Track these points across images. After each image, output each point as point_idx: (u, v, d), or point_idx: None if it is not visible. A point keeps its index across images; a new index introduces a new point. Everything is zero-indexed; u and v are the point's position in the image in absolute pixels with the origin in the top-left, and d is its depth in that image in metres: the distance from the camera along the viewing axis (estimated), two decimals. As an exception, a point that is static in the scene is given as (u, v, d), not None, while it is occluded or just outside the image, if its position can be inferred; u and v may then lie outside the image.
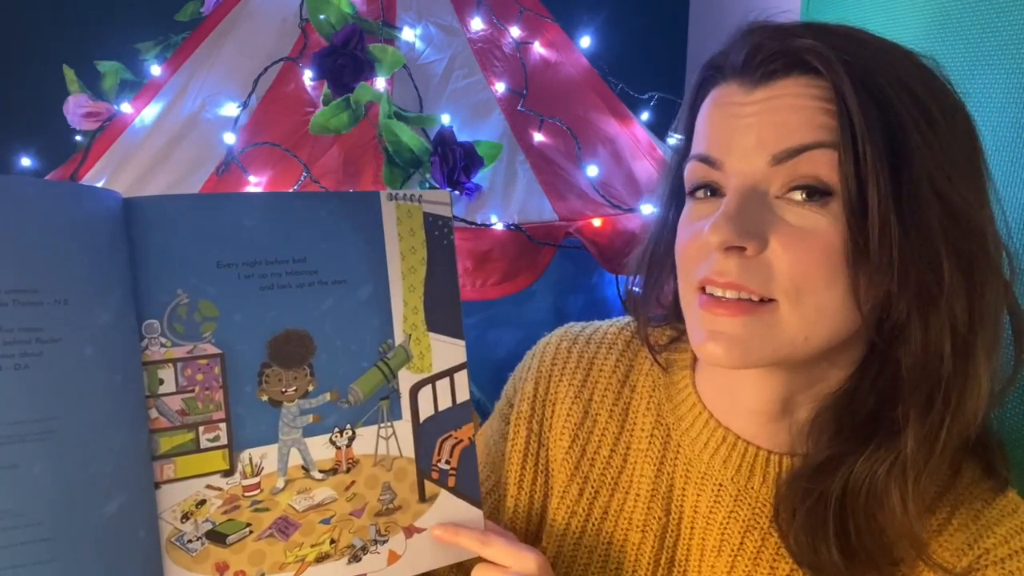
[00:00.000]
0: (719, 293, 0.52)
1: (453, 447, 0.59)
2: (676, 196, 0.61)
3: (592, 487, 0.66)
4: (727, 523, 0.60)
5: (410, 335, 0.57)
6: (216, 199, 0.55)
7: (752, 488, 0.59)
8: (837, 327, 0.51)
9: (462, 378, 0.59)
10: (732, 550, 0.60)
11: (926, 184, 0.48)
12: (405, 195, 0.57)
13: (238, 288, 0.51)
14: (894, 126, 0.48)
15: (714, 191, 0.54)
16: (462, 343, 0.59)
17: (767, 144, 0.50)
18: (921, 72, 0.51)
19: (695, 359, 0.66)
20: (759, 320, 0.50)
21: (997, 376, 0.52)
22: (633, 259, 0.67)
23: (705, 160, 0.54)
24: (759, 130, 0.51)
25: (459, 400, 0.59)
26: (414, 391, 0.58)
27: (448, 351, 0.58)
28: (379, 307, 0.56)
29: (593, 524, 0.65)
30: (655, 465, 0.64)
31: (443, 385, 0.59)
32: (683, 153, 0.59)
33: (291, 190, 1.08)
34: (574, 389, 0.68)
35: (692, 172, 0.55)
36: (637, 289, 0.66)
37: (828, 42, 0.50)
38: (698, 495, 0.62)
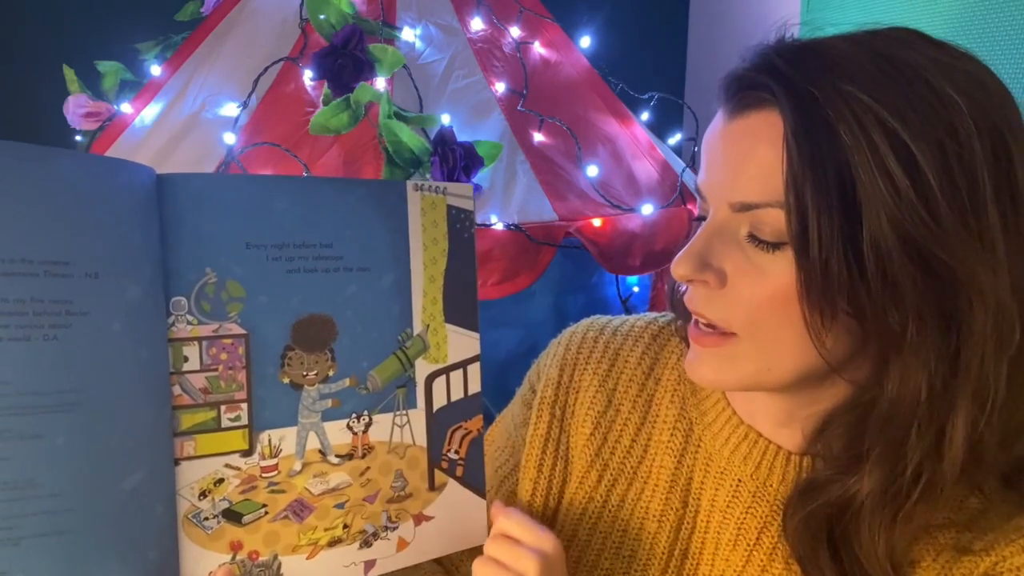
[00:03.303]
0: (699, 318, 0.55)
1: (463, 438, 0.59)
2: None
3: (611, 475, 0.67)
4: (744, 519, 0.61)
5: (428, 325, 0.58)
6: (249, 180, 0.55)
7: (771, 486, 0.60)
8: (800, 361, 0.51)
9: (475, 370, 0.60)
10: (748, 545, 0.60)
11: (889, 235, 0.45)
12: (430, 186, 0.57)
13: (266, 270, 0.51)
14: (852, 169, 0.45)
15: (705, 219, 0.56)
16: (477, 335, 0.60)
17: (727, 192, 0.51)
18: (919, 102, 0.46)
19: None
20: (723, 351, 0.53)
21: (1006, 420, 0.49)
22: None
23: (698, 192, 0.55)
24: (723, 174, 0.51)
25: (471, 391, 0.60)
26: (429, 381, 0.58)
27: (463, 343, 0.59)
28: (400, 296, 0.56)
29: (610, 511, 0.66)
30: (675, 457, 0.65)
31: (456, 376, 0.59)
32: None
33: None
34: (599, 378, 0.69)
35: (700, 201, 0.57)
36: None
37: (797, 70, 0.47)
38: (716, 489, 0.62)
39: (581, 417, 0.68)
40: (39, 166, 0.44)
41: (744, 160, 0.49)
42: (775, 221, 0.48)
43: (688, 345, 0.67)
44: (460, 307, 0.59)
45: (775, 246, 0.49)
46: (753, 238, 0.50)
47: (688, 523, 0.63)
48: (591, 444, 0.67)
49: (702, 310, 0.52)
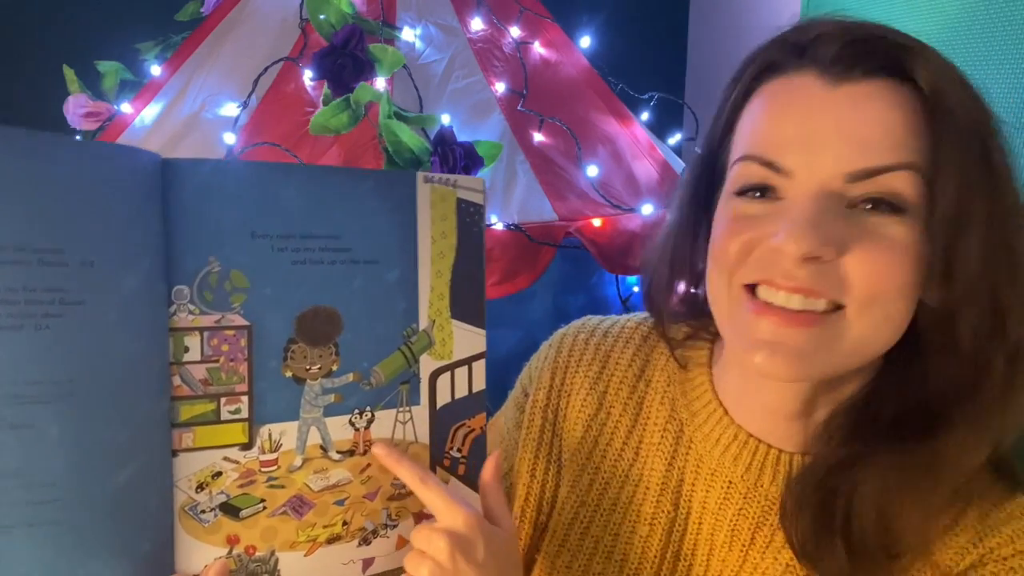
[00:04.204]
0: (780, 300, 0.50)
1: (466, 436, 0.59)
2: (704, 192, 0.59)
3: (603, 478, 0.66)
4: (737, 520, 0.60)
5: (434, 321, 0.57)
6: (257, 168, 0.52)
7: (762, 486, 0.59)
8: (894, 336, 0.51)
9: (480, 368, 0.59)
10: (743, 545, 0.60)
11: (1014, 205, 0.48)
12: (440, 178, 0.56)
13: (271, 260, 0.50)
14: (988, 144, 0.47)
15: (765, 191, 0.52)
16: (483, 332, 0.59)
17: (844, 161, 0.48)
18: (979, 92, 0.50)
19: (711, 356, 0.65)
20: (825, 332, 0.49)
21: None
22: (649, 257, 0.66)
23: (768, 164, 0.51)
24: (837, 142, 0.48)
25: (475, 389, 0.59)
26: (433, 377, 0.57)
27: (469, 339, 0.58)
28: (406, 290, 0.55)
29: (602, 515, 0.65)
30: (666, 459, 0.64)
31: (461, 373, 0.58)
32: (717, 144, 0.57)
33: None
34: (589, 381, 0.68)
35: (747, 173, 0.52)
36: (653, 285, 0.66)
37: (923, 47, 0.49)
38: (707, 491, 0.62)
39: (572, 420, 0.68)
40: (33, 153, 0.43)
41: (869, 124, 0.48)
42: (900, 181, 0.47)
43: (672, 349, 0.65)
44: (467, 303, 0.58)
45: (899, 210, 0.48)
46: (874, 204, 0.48)
47: (680, 525, 0.63)
48: (582, 447, 0.67)
49: (812, 285, 0.48)
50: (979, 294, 0.48)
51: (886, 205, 0.48)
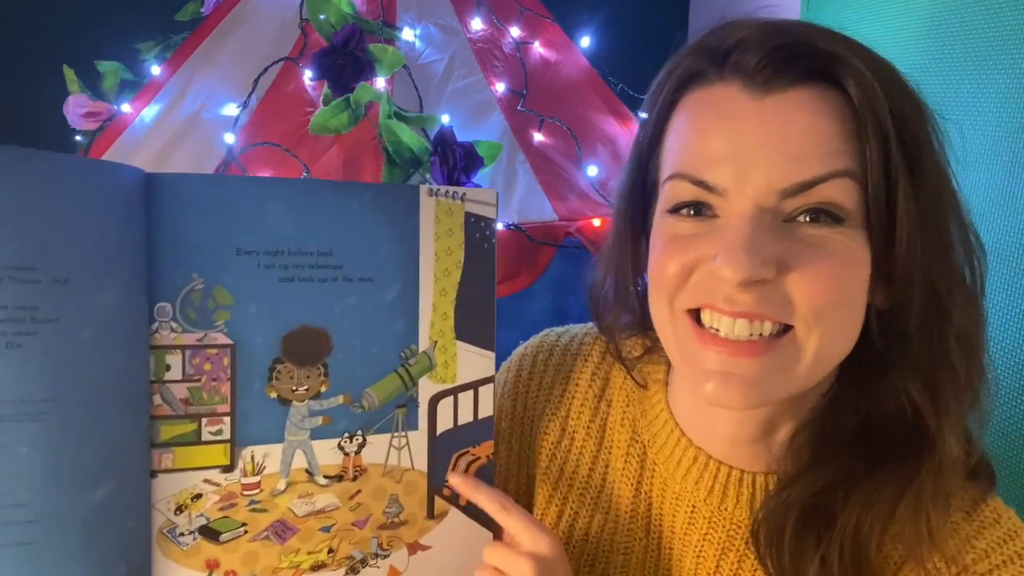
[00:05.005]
0: (725, 327, 0.48)
1: (469, 464, 0.56)
2: (639, 206, 0.57)
3: (572, 508, 0.63)
4: (702, 545, 0.58)
5: (436, 342, 0.54)
6: (243, 181, 0.51)
7: (726, 510, 0.57)
8: (848, 346, 0.50)
9: (487, 392, 0.56)
10: (708, 573, 0.58)
11: (947, 201, 0.48)
12: (448, 191, 0.54)
13: (256, 277, 0.49)
14: (918, 145, 0.47)
15: (700, 208, 0.50)
16: (492, 355, 0.56)
17: (776, 177, 0.46)
18: (913, 90, 0.50)
19: (668, 374, 0.62)
20: (777, 358, 0.47)
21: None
22: (592, 275, 0.63)
23: (699, 183, 0.48)
24: (768, 158, 0.46)
25: (481, 415, 0.56)
26: (434, 402, 0.55)
27: (475, 362, 0.55)
28: (406, 309, 0.53)
29: (574, 547, 0.63)
30: (633, 485, 0.61)
31: (466, 398, 0.56)
32: (646, 156, 0.55)
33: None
34: (551, 406, 0.65)
35: (679, 192, 0.50)
36: (601, 303, 0.62)
37: (849, 50, 0.47)
38: (674, 516, 0.59)
39: (537, 448, 0.65)
40: (4, 168, 0.42)
41: (798, 135, 0.46)
42: (836, 190, 0.46)
43: (630, 370, 0.62)
44: (474, 323, 0.55)
45: (838, 219, 0.47)
46: (812, 216, 0.47)
47: (652, 552, 0.61)
48: (548, 477, 0.64)
49: (758, 310, 0.47)
50: (917, 288, 0.47)
51: (825, 216, 0.46)
